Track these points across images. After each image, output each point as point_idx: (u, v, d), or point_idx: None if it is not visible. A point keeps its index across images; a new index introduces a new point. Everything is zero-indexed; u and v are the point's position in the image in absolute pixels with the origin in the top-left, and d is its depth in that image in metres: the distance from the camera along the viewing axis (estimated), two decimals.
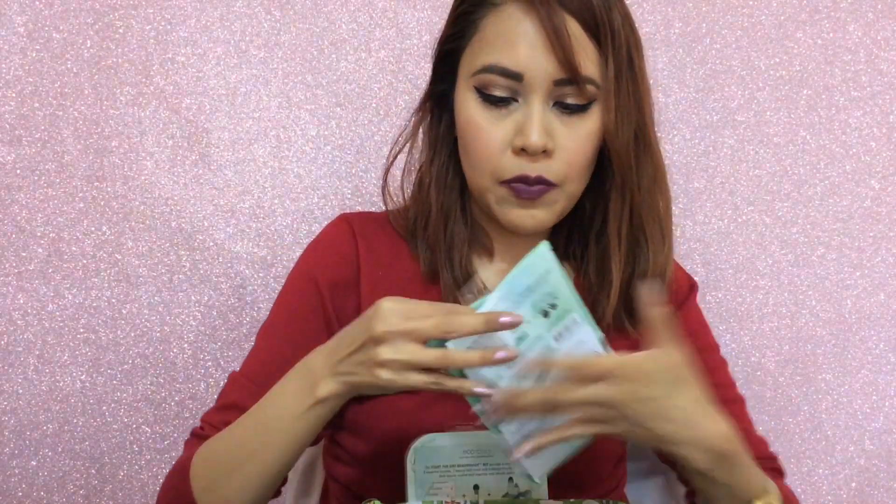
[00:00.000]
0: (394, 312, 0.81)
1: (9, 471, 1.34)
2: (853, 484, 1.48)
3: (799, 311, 1.46)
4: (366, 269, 1.02)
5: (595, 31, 0.91)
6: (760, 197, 1.45)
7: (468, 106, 0.94)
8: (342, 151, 1.38)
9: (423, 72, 1.35)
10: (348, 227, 1.05)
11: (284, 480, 0.97)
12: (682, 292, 1.10)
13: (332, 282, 1.01)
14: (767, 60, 1.44)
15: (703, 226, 1.44)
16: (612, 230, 0.99)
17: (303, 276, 1.03)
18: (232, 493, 0.90)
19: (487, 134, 0.93)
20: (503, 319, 0.78)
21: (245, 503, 0.91)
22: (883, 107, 1.46)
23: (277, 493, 0.97)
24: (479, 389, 0.80)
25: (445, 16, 1.38)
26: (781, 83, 1.44)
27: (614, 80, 0.92)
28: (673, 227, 1.04)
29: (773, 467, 1.05)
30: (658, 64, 1.42)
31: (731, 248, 1.45)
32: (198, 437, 0.98)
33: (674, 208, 1.41)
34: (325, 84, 1.37)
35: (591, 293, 1.01)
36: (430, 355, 0.79)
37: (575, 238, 1.04)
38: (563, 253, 1.05)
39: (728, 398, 1.07)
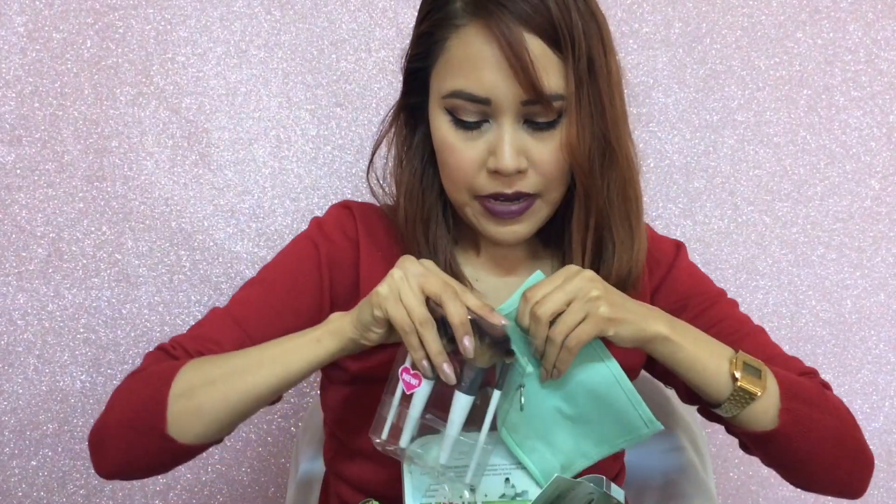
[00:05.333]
0: (413, 263, 0.86)
1: (9, 471, 1.34)
2: None
3: (799, 311, 1.46)
4: (365, 250, 1.03)
5: (556, 43, 0.90)
6: (760, 197, 1.45)
7: (441, 126, 0.95)
8: (342, 151, 1.38)
9: None
10: (350, 211, 1.06)
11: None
12: (667, 258, 1.10)
13: (332, 256, 1.03)
14: (767, 60, 1.44)
15: (703, 226, 1.44)
16: (576, 239, 0.99)
17: (306, 241, 1.04)
18: (207, 403, 0.89)
19: (461, 154, 0.94)
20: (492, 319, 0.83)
21: (214, 419, 0.90)
22: (883, 107, 1.46)
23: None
24: (446, 368, 0.82)
25: None
26: (781, 83, 1.44)
27: (574, 93, 0.91)
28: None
29: (817, 381, 1.05)
30: (658, 64, 1.42)
31: (731, 248, 1.45)
32: (165, 352, 0.98)
33: (673, 208, 1.43)
34: (325, 84, 1.37)
35: None
36: (417, 299, 0.83)
37: (556, 227, 1.04)
38: (545, 242, 1.06)
39: (749, 330, 1.07)
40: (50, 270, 1.33)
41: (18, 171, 1.33)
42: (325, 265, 1.02)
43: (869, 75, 1.45)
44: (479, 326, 0.82)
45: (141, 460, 0.91)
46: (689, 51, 1.43)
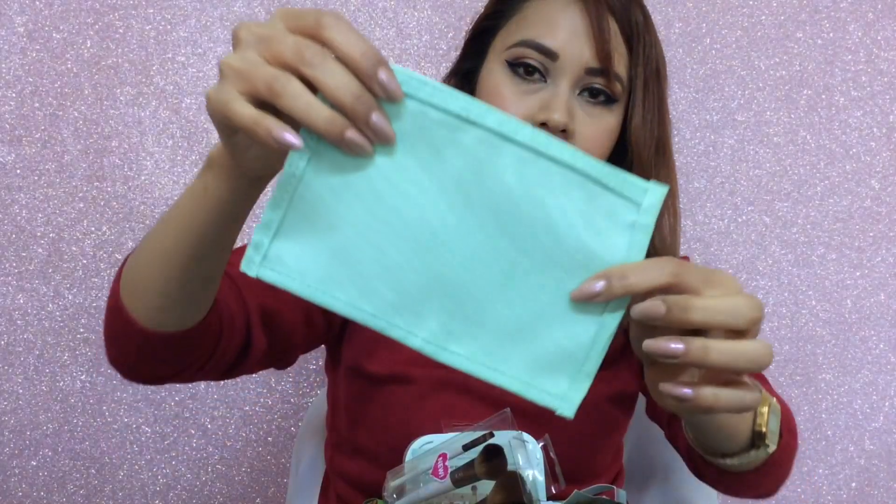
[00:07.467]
0: (276, 18, 0.58)
1: (9, 471, 1.34)
2: (853, 484, 1.48)
3: (799, 311, 1.46)
4: None
5: (629, 37, 0.95)
6: (760, 197, 1.45)
7: (496, 78, 0.96)
8: None
9: (423, 72, 1.35)
10: None
11: (216, 308, 0.84)
12: None
13: None
14: (767, 60, 1.44)
15: (703, 226, 1.44)
16: None
17: None
18: (143, 283, 0.78)
19: (511, 105, 0.95)
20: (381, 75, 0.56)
21: (159, 295, 0.78)
22: (883, 107, 1.46)
23: (209, 328, 0.82)
24: (290, 138, 0.56)
25: (445, 16, 1.38)
26: (781, 83, 1.44)
27: (643, 87, 0.96)
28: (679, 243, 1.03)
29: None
30: None
31: (731, 248, 1.45)
32: None
33: None
34: None
35: None
36: (267, 72, 0.56)
37: None
38: None
39: None
40: (50, 270, 1.33)
41: (18, 171, 1.33)
42: None
43: (869, 75, 1.45)
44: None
45: (146, 363, 0.81)
46: (689, 51, 1.43)
